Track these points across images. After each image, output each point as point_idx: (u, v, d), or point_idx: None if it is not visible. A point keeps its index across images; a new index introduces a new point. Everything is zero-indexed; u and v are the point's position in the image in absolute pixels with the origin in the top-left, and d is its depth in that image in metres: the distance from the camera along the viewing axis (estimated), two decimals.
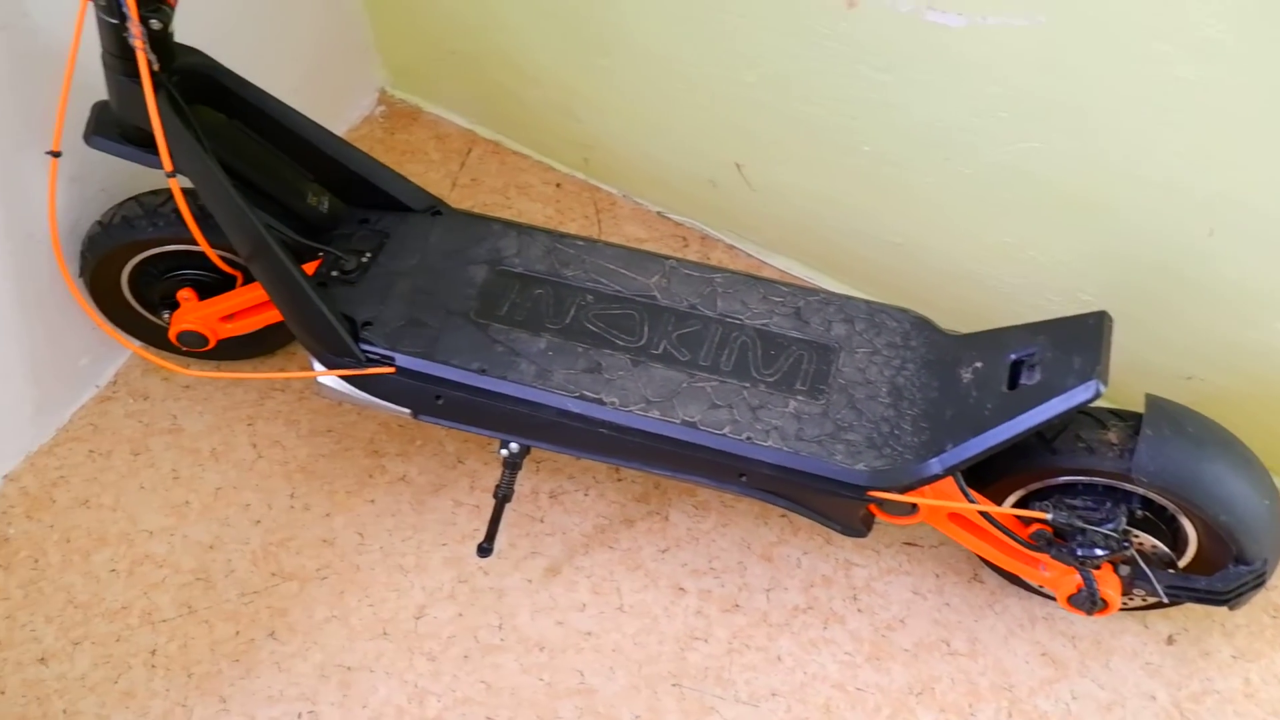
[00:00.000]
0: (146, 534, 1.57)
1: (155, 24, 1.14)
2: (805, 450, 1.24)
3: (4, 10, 1.31)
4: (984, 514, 1.25)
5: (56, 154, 1.20)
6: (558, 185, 1.88)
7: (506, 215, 1.83)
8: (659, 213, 1.84)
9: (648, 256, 1.42)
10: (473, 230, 1.45)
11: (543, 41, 1.66)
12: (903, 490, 1.23)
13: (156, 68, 1.13)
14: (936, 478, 1.22)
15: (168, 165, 1.18)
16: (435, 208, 1.47)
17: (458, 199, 1.86)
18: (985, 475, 1.28)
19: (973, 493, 1.23)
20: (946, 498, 1.24)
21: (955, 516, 1.30)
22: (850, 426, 1.26)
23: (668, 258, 1.41)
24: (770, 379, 1.30)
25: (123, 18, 1.11)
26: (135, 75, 1.20)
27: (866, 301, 1.38)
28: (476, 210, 1.83)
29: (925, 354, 1.33)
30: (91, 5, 1.13)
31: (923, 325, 1.36)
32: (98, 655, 1.47)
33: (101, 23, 1.15)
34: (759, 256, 1.78)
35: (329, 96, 1.91)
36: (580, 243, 1.43)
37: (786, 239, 1.72)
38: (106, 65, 1.23)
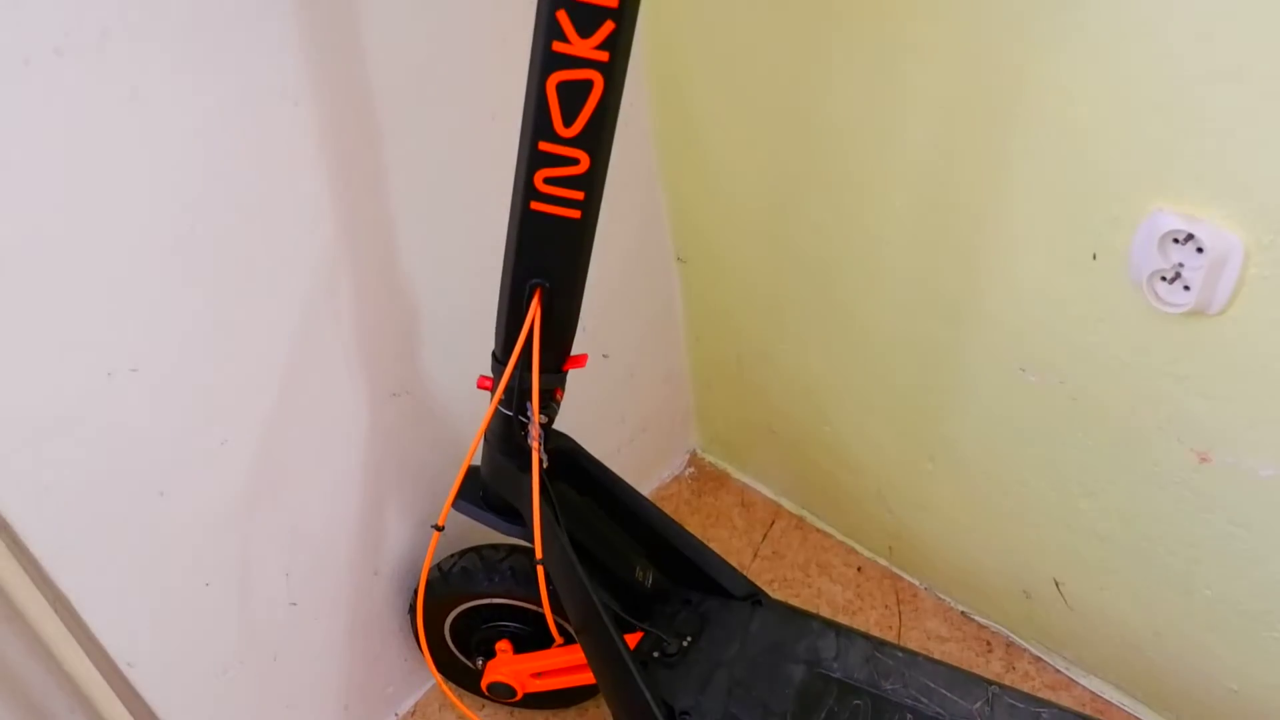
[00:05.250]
0: None
1: (544, 419, 1.25)
2: None
3: (402, 379, 1.48)
4: None
5: (440, 528, 1.30)
6: (859, 569, 1.89)
7: (806, 594, 1.86)
8: (963, 612, 1.80)
9: (971, 679, 1.38)
10: (792, 625, 1.46)
11: (868, 439, 1.71)
12: None
13: (546, 465, 1.23)
14: None
15: (539, 553, 1.26)
16: (756, 596, 1.50)
17: (758, 570, 1.89)
18: None
19: None
20: None
21: None
22: None
23: (991, 683, 1.37)
24: None
25: (523, 414, 1.23)
26: (514, 456, 1.32)
27: None
28: (776, 585, 1.86)
29: None
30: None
31: None
32: None
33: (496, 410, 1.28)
34: (1069, 673, 1.70)
35: (645, 457, 2.02)
36: (900, 654, 1.41)
37: (1103, 661, 1.64)
38: (488, 441, 1.35)
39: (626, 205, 1.70)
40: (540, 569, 1.29)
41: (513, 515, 1.43)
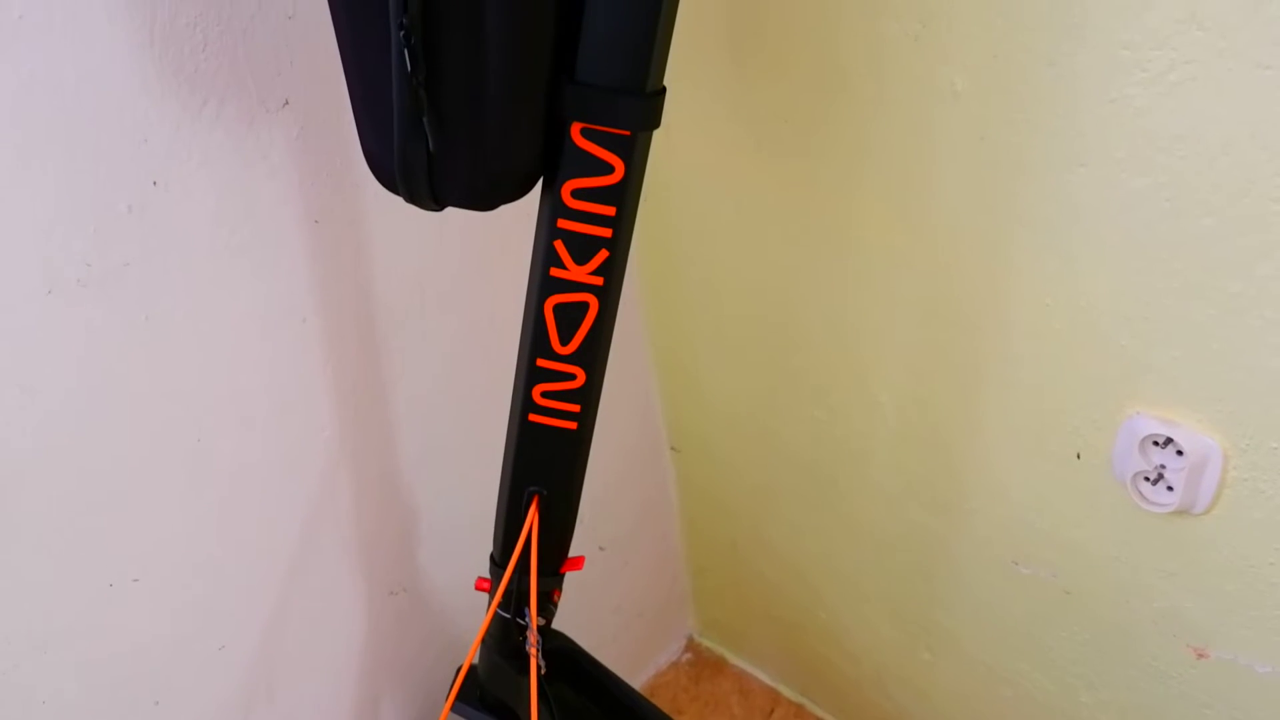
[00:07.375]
0: None
1: (541, 621, 1.25)
2: None
3: (401, 578, 1.49)
4: None
5: None
6: None
7: None
8: None
9: None
10: None
11: (865, 627, 1.71)
12: None
13: (544, 672, 1.23)
14: None
15: None
16: None
17: None
18: None
19: None
20: None
21: None
22: None
23: None
24: None
25: (521, 616, 1.23)
26: (511, 658, 1.31)
27: None
28: None
29: None
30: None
31: None
32: None
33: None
34: None
35: (641, 642, 2.01)
36: None
37: None
38: (485, 643, 1.35)
39: (622, 401, 1.74)
40: None
41: (510, 716, 1.42)
